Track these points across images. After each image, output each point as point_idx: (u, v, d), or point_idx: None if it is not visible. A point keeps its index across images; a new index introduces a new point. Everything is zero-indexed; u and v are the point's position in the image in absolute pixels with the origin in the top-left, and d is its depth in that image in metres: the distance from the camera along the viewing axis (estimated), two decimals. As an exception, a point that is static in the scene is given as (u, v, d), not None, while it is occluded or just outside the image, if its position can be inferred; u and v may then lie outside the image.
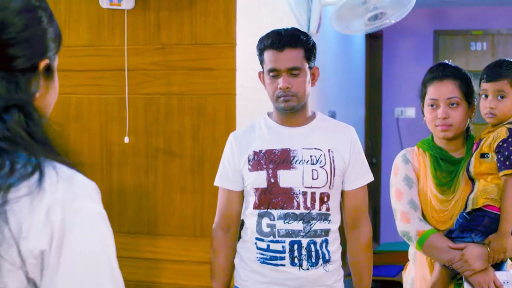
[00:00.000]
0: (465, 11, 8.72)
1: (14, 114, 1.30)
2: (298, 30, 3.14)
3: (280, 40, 3.04)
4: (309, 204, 3.05)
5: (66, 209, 1.27)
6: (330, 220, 3.09)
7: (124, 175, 4.13)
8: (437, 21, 8.81)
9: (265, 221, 3.09)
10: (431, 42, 8.85)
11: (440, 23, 8.81)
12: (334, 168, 3.08)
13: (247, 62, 4.03)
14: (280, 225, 3.05)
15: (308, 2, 5.26)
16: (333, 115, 6.19)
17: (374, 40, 8.59)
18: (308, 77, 3.09)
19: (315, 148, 3.10)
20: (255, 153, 3.12)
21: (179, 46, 4.00)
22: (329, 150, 3.10)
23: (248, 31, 4.08)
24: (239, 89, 3.94)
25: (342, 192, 3.18)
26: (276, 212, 3.06)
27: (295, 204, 3.04)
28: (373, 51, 8.65)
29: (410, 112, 8.66)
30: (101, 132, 4.17)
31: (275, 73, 3.06)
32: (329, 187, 3.08)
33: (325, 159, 3.08)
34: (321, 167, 3.07)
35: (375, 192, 8.17)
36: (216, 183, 3.25)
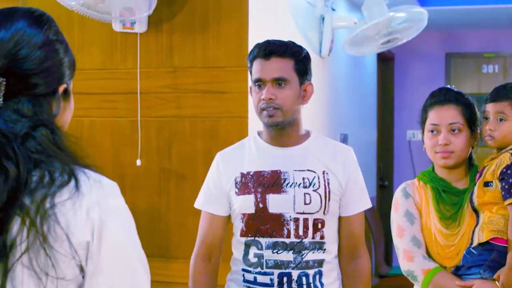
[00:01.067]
0: (477, 34, 8.74)
1: (42, 131, 1.56)
2: (291, 42, 2.91)
3: (267, 47, 2.81)
4: (301, 232, 2.77)
5: (101, 207, 1.56)
6: (325, 249, 2.81)
7: (136, 198, 4.14)
8: (448, 44, 8.83)
9: (253, 250, 2.80)
10: (443, 64, 8.86)
11: (452, 46, 8.83)
12: (329, 192, 2.81)
13: (259, 85, 4.04)
14: (268, 255, 2.77)
15: (320, 25, 5.27)
16: (345, 138, 6.19)
17: (385, 63, 8.60)
18: (298, 91, 2.81)
19: (308, 170, 2.82)
20: (242, 175, 2.84)
21: (192, 69, 4.02)
22: (324, 172, 2.82)
23: (260, 54, 4.09)
24: (252, 112, 3.94)
25: (338, 219, 2.90)
26: (264, 241, 2.78)
27: (285, 232, 2.76)
28: (385, 74, 8.66)
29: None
30: (114, 155, 4.18)
31: (260, 83, 2.80)
32: (324, 212, 2.80)
33: (319, 182, 2.81)
34: (314, 190, 2.79)
35: (387, 215, 8.14)
36: (197, 206, 2.97)
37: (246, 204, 2.81)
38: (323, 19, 5.28)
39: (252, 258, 2.81)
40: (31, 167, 1.53)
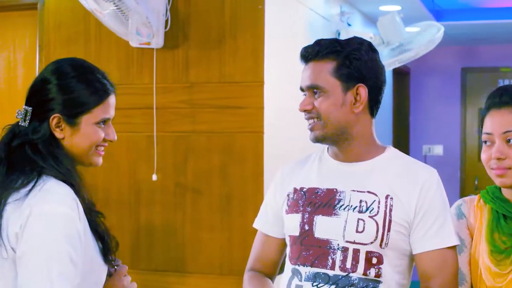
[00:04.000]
0: (493, 49, 8.72)
1: (27, 147, 2.10)
2: (337, 39, 2.51)
3: (305, 50, 2.41)
4: (348, 265, 2.27)
5: (32, 209, 1.97)
6: None
7: (152, 213, 4.14)
8: (464, 59, 8.82)
9: (294, 281, 2.35)
10: (459, 79, 8.85)
11: (468, 61, 8.81)
12: (389, 221, 2.27)
13: (275, 100, 4.05)
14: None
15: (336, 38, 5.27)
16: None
17: (401, 77, 8.59)
18: (340, 98, 2.32)
19: (368, 192, 2.32)
20: (295, 190, 2.42)
21: (208, 84, 4.03)
22: (387, 197, 2.30)
23: (276, 70, 4.10)
24: (267, 127, 3.95)
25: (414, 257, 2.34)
26: (304, 270, 2.32)
27: (330, 262, 2.29)
28: (401, 88, 8.64)
29: (438, 150, 8.62)
30: (130, 170, 4.19)
31: (303, 92, 2.42)
32: (380, 245, 2.27)
33: (378, 207, 2.29)
34: (370, 217, 2.28)
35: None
36: (254, 225, 2.58)
37: (292, 224, 2.39)
38: (339, 34, 5.29)
39: None
40: (12, 170, 2.07)
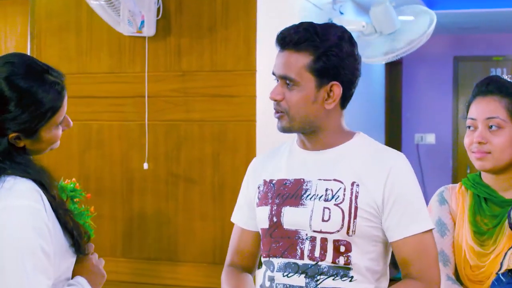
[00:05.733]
0: (485, 37, 8.73)
1: None
2: (326, 27, 2.31)
3: (284, 34, 2.29)
4: (316, 254, 2.24)
5: None
6: (352, 278, 2.24)
7: (144, 202, 4.14)
8: (456, 47, 8.82)
9: (267, 272, 2.34)
10: (451, 68, 8.86)
11: (460, 49, 8.82)
12: (355, 208, 2.22)
13: (267, 88, 4.01)
14: (278, 278, 2.29)
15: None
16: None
17: (393, 67, 8.59)
18: (312, 94, 2.25)
19: (334, 180, 2.27)
20: (265, 183, 2.39)
21: (200, 73, 4.02)
22: (353, 184, 2.25)
23: (268, 58, 4.08)
24: (260, 115, 3.95)
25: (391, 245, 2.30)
26: (276, 262, 2.30)
27: (298, 252, 2.27)
28: (393, 78, 8.65)
29: (430, 138, 8.64)
30: (122, 159, 4.18)
31: (274, 76, 2.34)
32: (348, 232, 2.23)
33: (344, 195, 2.24)
34: (336, 205, 2.24)
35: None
36: (232, 219, 2.56)
37: (262, 217, 2.36)
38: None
39: (266, 282, 2.34)
40: None
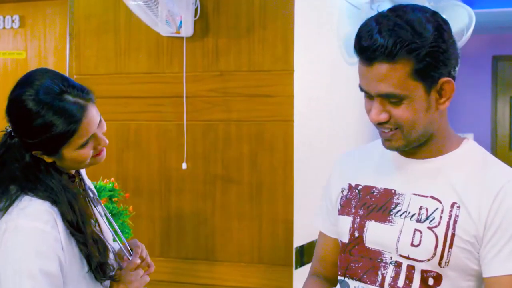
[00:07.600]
0: (525, 37, 8.64)
1: (16, 165, 2.12)
2: (407, 24, 1.83)
3: (368, 46, 1.84)
4: (400, 283, 1.91)
5: (7, 224, 2.01)
6: None
7: (182, 201, 4.15)
8: (495, 47, 8.75)
9: None
10: (489, 68, 8.78)
11: (499, 49, 8.74)
12: (452, 235, 1.86)
13: (305, 88, 4.04)
14: None
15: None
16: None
17: (431, 66, 8.53)
18: (425, 101, 1.88)
19: (431, 197, 1.92)
20: (350, 187, 2.10)
21: (237, 73, 4.03)
22: (453, 205, 1.88)
23: (306, 58, 4.08)
24: (297, 115, 3.94)
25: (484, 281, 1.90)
26: (353, 284, 2.01)
27: (379, 277, 1.95)
28: (431, 77, 8.59)
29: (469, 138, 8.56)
30: (160, 159, 4.20)
31: (364, 94, 1.96)
32: (439, 263, 1.87)
33: (440, 218, 1.88)
34: (429, 228, 1.88)
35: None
36: (315, 223, 2.30)
37: (343, 228, 2.07)
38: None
39: None
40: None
